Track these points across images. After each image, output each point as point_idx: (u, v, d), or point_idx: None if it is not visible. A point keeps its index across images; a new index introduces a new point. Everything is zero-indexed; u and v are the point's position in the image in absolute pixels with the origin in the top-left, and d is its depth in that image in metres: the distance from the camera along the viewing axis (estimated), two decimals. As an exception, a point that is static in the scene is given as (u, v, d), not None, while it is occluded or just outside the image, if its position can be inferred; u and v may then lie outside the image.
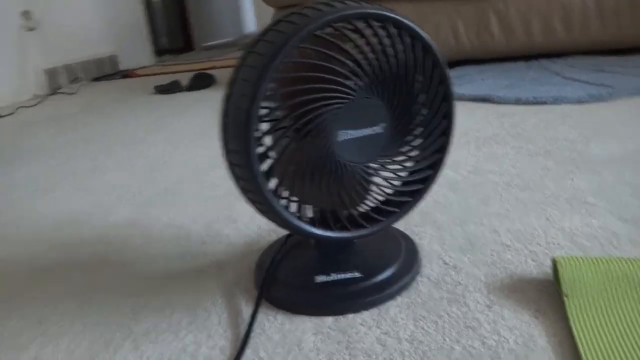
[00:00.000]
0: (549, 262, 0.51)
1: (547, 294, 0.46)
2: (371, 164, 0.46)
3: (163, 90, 1.88)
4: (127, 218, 0.76)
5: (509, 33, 1.57)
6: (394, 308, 0.47)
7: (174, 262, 0.61)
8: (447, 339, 0.42)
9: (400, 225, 0.63)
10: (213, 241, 0.65)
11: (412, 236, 0.59)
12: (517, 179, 0.73)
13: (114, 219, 0.77)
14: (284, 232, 0.62)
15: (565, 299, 0.43)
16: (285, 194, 0.43)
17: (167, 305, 0.53)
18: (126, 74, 2.69)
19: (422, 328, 0.44)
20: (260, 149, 0.41)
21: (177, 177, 0.92)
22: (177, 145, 1.15)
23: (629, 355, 0.38)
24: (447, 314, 0.45)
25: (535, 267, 0.51)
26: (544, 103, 1.12)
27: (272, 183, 0.43)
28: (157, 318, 0.51)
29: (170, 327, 0.49)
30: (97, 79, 2.67)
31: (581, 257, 0.47)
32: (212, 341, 0.46)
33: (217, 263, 0.60)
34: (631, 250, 0.52)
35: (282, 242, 0.56)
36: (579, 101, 1.10)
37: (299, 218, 0.44)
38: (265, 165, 0.41)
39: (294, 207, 0.45)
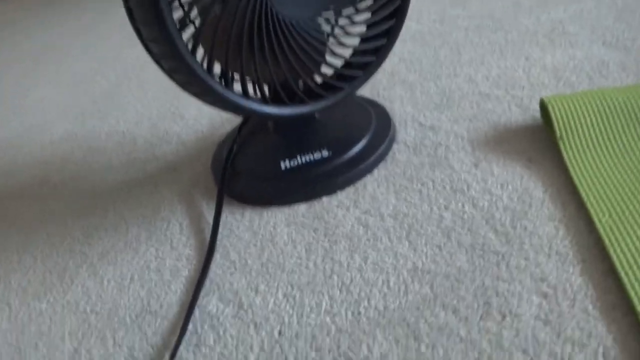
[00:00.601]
0: (535, 106, 0.46)
1: (537, 141, 0.41)
2: (322, 19, 0.38)
3: (84, -14, 1.66)
4: (64, 133, 0.68)
5: None
6: (371, 183, 0.42)
7: (122, 173, 0.54)
8: (434, 208, 0.38)
9: (366, 91, 0.56)
10: (161, 142, 0.58)
11: (381, 101, 0.53)
12: (488, 20, 0.65)
13: (50, 137, 0.68)
14: (238, 121, 0.55)
15: (559, 142, 0.39)
16: (224, 70, 0.36)
17: (121, 221, 0.47)
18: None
19: (405, 200, 0.39)
20: (182, 27, 0.32)
21: (112, 81, 0.82)
22: (107, 47, 1.02)
23: (636, 193, 0.34)
24: (431, 180, 0.41)
25: (521, 113, 0.45)
26: None
27: (208, 64, 0.35)
28: (112, 237, 0.45)
29: (128, 245, 0.44)
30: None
31: (573, 94, 0.41)
32: (176, 252, 0.41)
33: (169, 166, 0.53)
34: (623, 78, 0.47)
35: (237, 130, 0.49)
36: None
37: (247, 97, 0.37)
38: (193, 46, 0.33)
39: (239, 87, 0.38)
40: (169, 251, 0.42)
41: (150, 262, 0.41)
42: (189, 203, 0.47)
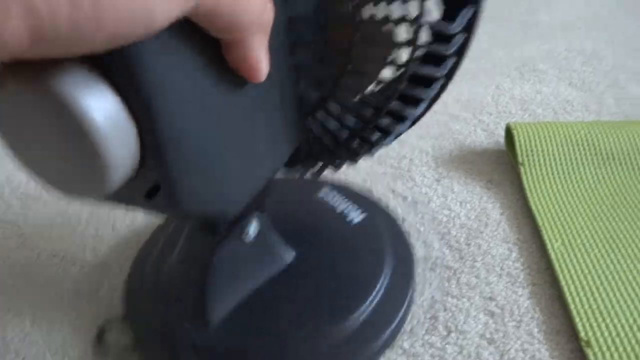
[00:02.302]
0: (500, 132, 0.46)
1: (499, 165, 0.42)
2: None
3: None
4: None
5: None
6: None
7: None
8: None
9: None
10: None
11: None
12: (463, 49, 0.66)
13: None
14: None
15: (520, 167, 0.39)
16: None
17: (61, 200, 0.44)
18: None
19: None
20: None
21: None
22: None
23: (588, 223, 0.34)
24: (392, 191, 0.40)
25: (486, 136, 0.46)
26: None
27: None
28: (50, 211, 0.43)
29: (66, 221, 0.41)
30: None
31: (537, 123, 0.42)
32: (115, 233, 0.39)
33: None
34: (585, 116, 0.48)
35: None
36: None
37: None
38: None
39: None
40: (109, 233, 0.39)
41: (88, 241, 0.39)
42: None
